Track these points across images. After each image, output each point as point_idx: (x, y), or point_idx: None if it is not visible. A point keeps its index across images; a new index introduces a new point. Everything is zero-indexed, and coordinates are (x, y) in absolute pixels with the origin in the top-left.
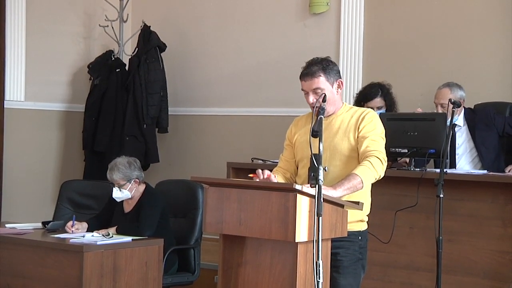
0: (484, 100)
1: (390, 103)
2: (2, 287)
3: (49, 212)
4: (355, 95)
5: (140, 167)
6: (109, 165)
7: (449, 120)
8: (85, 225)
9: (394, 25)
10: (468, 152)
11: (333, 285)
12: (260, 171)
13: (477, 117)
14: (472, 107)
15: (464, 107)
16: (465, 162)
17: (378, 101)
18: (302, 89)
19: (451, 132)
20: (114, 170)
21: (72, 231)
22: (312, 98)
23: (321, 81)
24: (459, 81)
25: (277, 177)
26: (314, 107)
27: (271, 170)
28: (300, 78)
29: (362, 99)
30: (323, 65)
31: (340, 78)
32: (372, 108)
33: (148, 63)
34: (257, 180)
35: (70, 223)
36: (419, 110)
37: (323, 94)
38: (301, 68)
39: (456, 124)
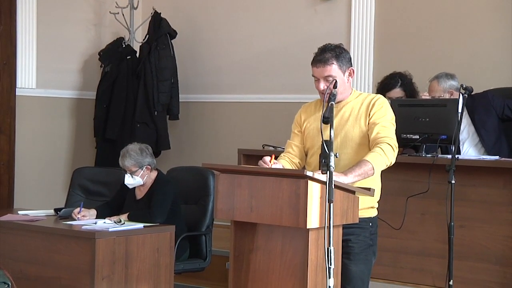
0: (497, 87)
1: (410, 93)
2: (15, 273)
3: (61, 199)
4: (376, 85)
5: (151, 153)
6: (121, 151)
7: (460, 106)
8: (93, 212)
9: (406, 12)
10: (470, 136)
11: (344, 271)
12: (261, 162)
13: (476, 102)
14: None
15: (462, 94)
16: (468, 146)
17: (398, 91)
18: (313, 75)
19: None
20: (126, 156)
21: (78, 217)
22: (323, 85)
23: (333, 69)
24: (471, 69)
25: (283, 164)
26: (324, 93)
27: (276, 158)
28: (312, 64)
29: (382, 89)
30: (336, 53)
31: (352, 66)
32: (392, 98)
33: (158, 50)
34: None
35: (77, 209)
36: (426, 95)
37: (334, 81)
38: (313, 54)
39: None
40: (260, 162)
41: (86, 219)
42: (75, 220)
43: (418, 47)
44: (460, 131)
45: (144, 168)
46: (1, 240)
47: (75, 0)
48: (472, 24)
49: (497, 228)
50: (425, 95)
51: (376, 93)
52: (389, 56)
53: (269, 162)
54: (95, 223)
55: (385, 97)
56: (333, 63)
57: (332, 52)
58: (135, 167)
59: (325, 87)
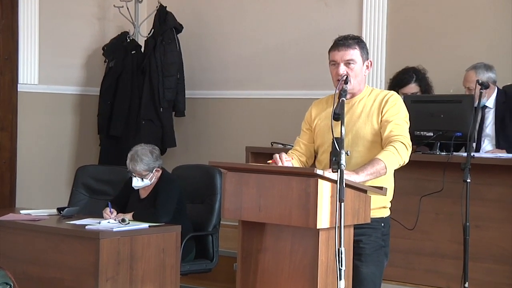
0: None
1: (425, 88)
2: (17, 274)
3: (64, 198)
4: (388, 81)
5: (159, 154)
6: (130, 154)
7: (476, 102)
8: (115, 212)
9: (420, 4)
10: (494, 134)
11: (355, 273)
12: (277, 156)
13: (508, 99)
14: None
15: (498, 88)
16: (489, 145)
17: (413, 87)
18: (332, 61)
19: (480, 114)
20: (138, 161)
21: (113, 218)
22: (343, 69)
23: (356, 54)
24: (489, 62)
25: (292, 162)
26: (340, 80)
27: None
28: (331, 48)
29: (395, 85)
30: (358, 41)
31: (370, 59)
32: (406, 94)
33: (164, 44)
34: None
35: (107, 209)
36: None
37: (345, 76)
38: (334, 40)
39: (486, 106)
40: (275, 155)
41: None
42: (107, 220)
43: (434, 40)
44: (485, 128)
45: (154, 171)
46: (3, 240)
47: None
48: (489, 15)
49: None
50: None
51: (389, 89)
52: (403, 51)
53: (279, 161)
54: (99, 222)
55: (399, 93)
56: (356, 48)
57: (356, 40)
58: (146, 172)
59: (344, 71)
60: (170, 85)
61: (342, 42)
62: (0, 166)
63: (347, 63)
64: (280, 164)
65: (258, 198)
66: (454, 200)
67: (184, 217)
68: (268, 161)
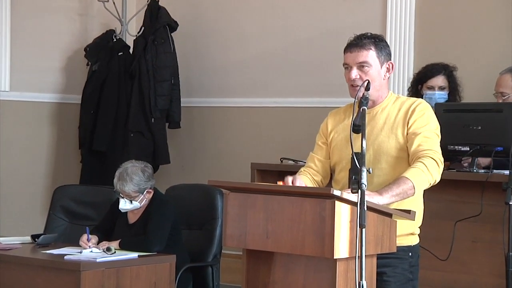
0: None
1: (454, 85)
2: None
3: (39, 223)
4: (411, 77)
5: (152, 173)
6: (118, 172)
7: None
8: (97, 238)
9: None
10: None
11: None
12: (289, 180)
13: None
14: None
15: None
16: None
17: (441, 79)
18: (345, 63)
19: None
20: (127, 181)
21: (90, 246)
22: (355, 73)
23: (370, 55)
24: None
25: (303, 181)
26: (354, 85)
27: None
28: (344, 50)
29: (421, 79)
30: (375, 40)
31: (391, 60)
32: (433, 87)
33: (156, 45)
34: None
35: (84, 237)
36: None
37: (367, 81)
38: (348, 40)
39: None
40: (287, 178)
41: (94, 247)
42: (86, 249)
43: (467, 38)
44: None
45: (145, 193)
46: None
47: None
48: None
49: None
50: None
51: (412, 85)
52: (432, 50)
53: (291, 183)
54: (80, 252)
55: (423, 88)
56: (370, 49)
57: (371, 39)
58: (135, 193)
59: (357, 76)
60: (163, 91)
61: (355, 42)
62: None
63: (360, 66)
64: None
65: (266, 223)
66: (494, 226)
67: (179, 246)
68: (278, 182)
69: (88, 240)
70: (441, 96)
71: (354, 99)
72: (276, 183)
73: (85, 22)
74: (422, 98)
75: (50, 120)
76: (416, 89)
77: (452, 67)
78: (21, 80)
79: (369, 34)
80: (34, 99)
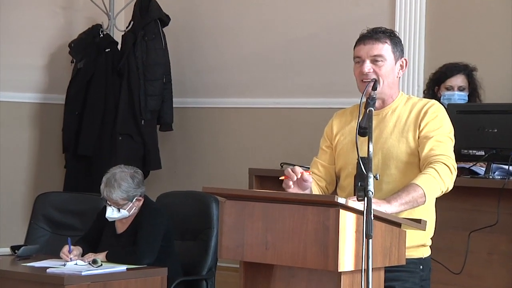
0: None
1: (474, 86)
2: None
3: (20, 233)
4: (420, 76)
5: (142, 180)
6: (105, 178)
7: None
8: (80, 249)
9: None
10: None
11: None
12: (290, 170)
13: None
14: None
15: None
16: None
17: (461, 79)
18: (356, 57)
19: None
20: (115, 187)
21: (71, 258)
22: (368, 67)
23: (386, 49)
24: None
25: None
26: (363, 80)
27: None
28: (357, 42)
29: (438, 79)
30: (390, 34)
31: (405, 57)
32: (452, 87)
33: (146, 41)
34: (290, 183)
35: (65, 248)
36: None
37: (374, 80)
38: (361, 34)
39: None
40: (288, 169)
41: (77, 260)
42: (68, 261)
43: (484, 34)
44: None
45: (134, 200)
46: None
47: None
48: None
49: None
50: None
51: (428, 86)
52: (445, 47)
53: (293, 175)
54: (64, 264)
55: (441, 89)
56: (386, 42)
57: (387, 33)
58: (124, 201)
59: (370, 69)
60: (154, 91)
61: (370, 35)
62: None
63: (374, 60)
64: (295, 179)
65: (265, 234)
66: (511, 236)
67: (171, 258)
68: (280, 178)
69: (70, 251)
70: (461, 97)
71: (360, 98)
72: (279, 182)
73: (70, 16)
74: (439, 101)
75: (31, 122)
76: (433, 91)
77: (472, 67)
78: (0, 79)
79: (383, 28)
80: (13, 99)
